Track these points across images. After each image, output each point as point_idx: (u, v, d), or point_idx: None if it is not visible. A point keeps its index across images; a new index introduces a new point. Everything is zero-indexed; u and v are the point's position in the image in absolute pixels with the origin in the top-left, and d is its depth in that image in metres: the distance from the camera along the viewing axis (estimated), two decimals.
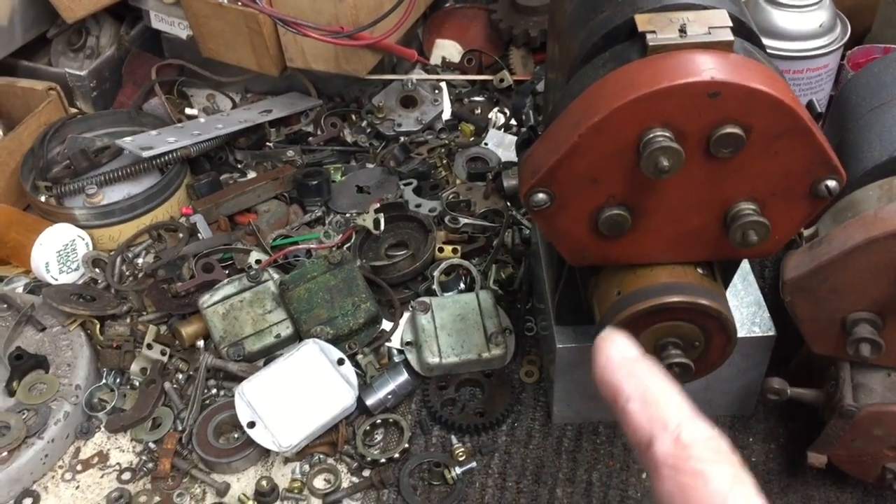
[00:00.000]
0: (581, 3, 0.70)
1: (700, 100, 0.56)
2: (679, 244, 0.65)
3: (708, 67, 0.56)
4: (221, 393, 0.91)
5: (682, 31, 0.59)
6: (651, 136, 0.57)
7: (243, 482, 0.84)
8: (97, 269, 1.04)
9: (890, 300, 0.67)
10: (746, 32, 0.63)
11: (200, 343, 0.95)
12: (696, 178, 0.61)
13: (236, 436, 0.87)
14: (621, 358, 0.37)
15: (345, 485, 0.83)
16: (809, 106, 0.62)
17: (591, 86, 0.60)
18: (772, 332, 0.80)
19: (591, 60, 0.64)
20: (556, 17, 0.78)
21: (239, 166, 1.19)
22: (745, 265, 0.85)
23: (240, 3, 1.10)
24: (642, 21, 0.60)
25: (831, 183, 0.60)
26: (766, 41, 0.94)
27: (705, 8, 0.61)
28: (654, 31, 0.59)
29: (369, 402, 0.87)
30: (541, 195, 0.62)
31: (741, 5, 0.67)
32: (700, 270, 0.67)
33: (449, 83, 1.26)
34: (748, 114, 0.57)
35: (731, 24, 0.59)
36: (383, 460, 0.83)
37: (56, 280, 1.01)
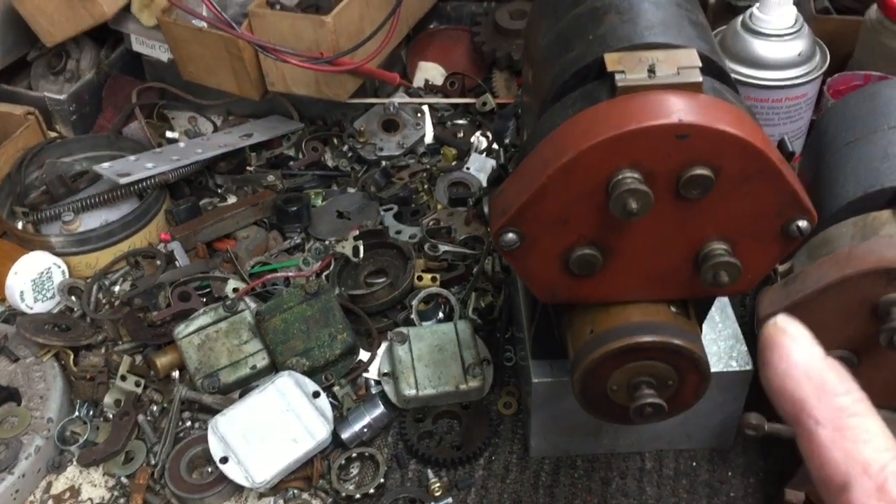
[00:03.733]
0: (554, 39, 0.69)
1: (668, 141, 0.56)
2: (651, 283, 0.65)
3: (676, 109, 0.56)
4: (196, 425, 0.90)
5: (651, 71, 0.58)
6: (620, 177, 0.57)
7: None
8: (73, 297, 1.03)
9: (865, 338, 0.66)
10: (716, 71, 0.62)
11: (176, 374, 0.94)
12: (667, 219, 0.60)
13: (210, 470, 0.85)
14: (807, 362, 0.28)
15: None
16: (780, 145, 0.62)
17: (561, 125, 0.60)
18: (749, 367, 0.79)
19: (561, 98, 0.63)
20: (531, 46, 0.78)
21: (219, 191, 1.18)
22: (722, 298, 0.85)
23: (220, 29, 1.09)
24: (611, 61, 0.60)
25: (802, 223, 0.60)
26: (744, 70, 0.95)
27: (675, 47, 0.61)
28: (623, 72, 0.59)
29: (345, 435, 0.86)
30: (511, 235, 0.61)
31: (712, 43, 0.67)
32: (673, 309, 0.67)
33: (431, 106, 1.26)
34: (717, 155, 0.56)
35: (699, 63, 0.59)
36: (358, 496, 0.82)
37: (31, 309, 1.00)
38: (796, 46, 0.93)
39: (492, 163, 1.18)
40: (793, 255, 0.74)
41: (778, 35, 0.93)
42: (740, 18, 0.96)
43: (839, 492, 0.27)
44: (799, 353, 0.28)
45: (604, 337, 0.65)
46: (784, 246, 0.61)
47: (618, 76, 0.59)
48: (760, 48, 0.93)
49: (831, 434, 0.27)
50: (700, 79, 0.58)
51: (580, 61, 0.63)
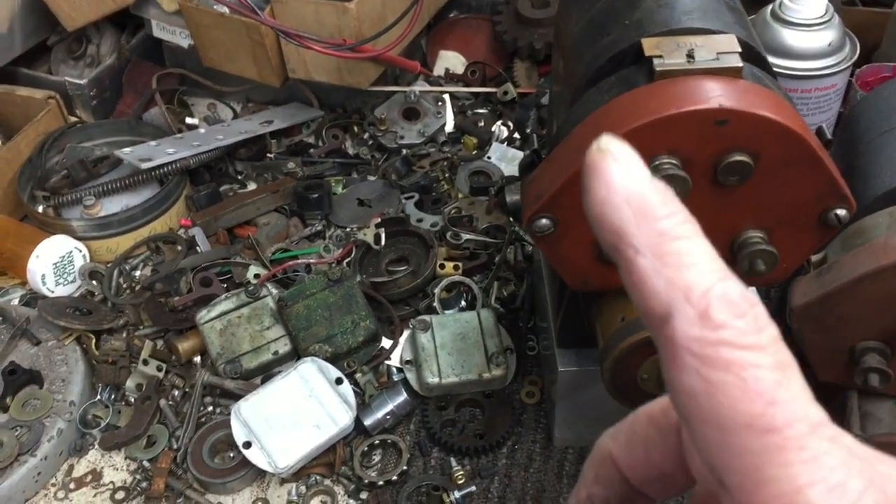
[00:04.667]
0: (587, 24, 0.68)
1: (707, 127, 0.55)
2: None
3: (716, 94, 0.55)
4: (218, 411, 0.90)
5: (690, 56, 0.58)
6: (657, 163, 0.56)
7: (238, 503, 0.83)
8: (94, 282, 1.03)
9: None
10: (755, 57, 0.62)
11: (197, 359, 0.94)
12: (703, 206, 0.59)
13: (232, 455, 0.85)
14: (628, 185, 0.24)
15: None
16: (819, 132, 0.61)
17: (597, 110, 0.59)
18: None
19: (596, 84, 0.63)
20: (562, 34, 0.77)
21: (239, 177, 1.17)
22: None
23: (242, 15, 1.09)
24: (649, 45, 0.59)
25: (841, 212, 0.59)
26: (773, 60, 0.94)
27: (714, 32, 0.60)
28: (661, 56, 0.58)
29: (367, 422, 0.86)
30: (544, 221, 0.61)
31: (750, 29, 0.66)
32: None
33: (452, 95, 1.25)
34: (756, 142, 0.56)
35: (739, 49, 0.58)
36: (381, 483, 0.82)
37: (52, 292, 1.00)
38: (826, 36, 0.92)
39: (513, 152, 1.17)
40: (827, 245, 0.73)
41: (808, 25, 0.92)
42: (770, 7, 0.95)
43: (661, 325, 0.23)
44: (620, 176, 0.24)
45: (635, 325, 0.64)
46: (821, 235, 0.61)
47: (656, 61, 0.58)
48: (790, 38, 0.92)
49: (651, 262, 0.23)
50: (740, 64, 0.57)
51: (616, 46, 0.62)
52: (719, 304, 0.22)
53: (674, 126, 0.55)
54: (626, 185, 0.24)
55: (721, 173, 0.57)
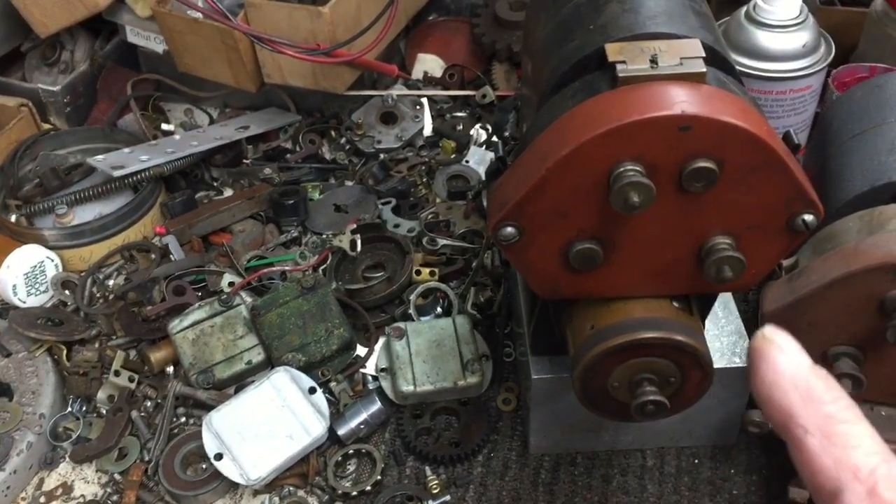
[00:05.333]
0: (553, 29, 0.68)
1: (671, 133, 0.54)
2: (653, 278, 0.63)
3: (679, 100, 0.54)
4: (191, 421, 0.89)
5: (654, 61, 0.57)
6: (621, 170, 0.55)
7: None
8: (66, 291, 1.01)
9: (870, 335, 0.65)
10: (720, 61, 0.61)
11: (170, 369, 0.92)
12: (669, 212, 0.58)
13: (204, 466, 0.84)
14: (794, 371, 0.28)
15: None
16: (786, 137, 0.60)
17: (560, 117, 0.58)
18: None
19: (560, 90, 0.62)
20: (530, 38, 0.76)
21: (215, 184, 1.16)
22: (725, 293, 0.84)
23: (215, 20, 1.08)
24: (613, 51, 0.58)
25: (808, 217, 0.58)
26: (748, 62, 0.93)
27: (678, 37, 0.59)
28: (624, 62, 0.57)
29: (341, 431, 0.85)
30: (509, 229, 0.60)
31: (716, 33, 0.65)
32: (676, 304, 0.65)
33: (430, 99, 1.24)
34: (720, 148, 0.55)
35: (703, 54, 0.57)
36: (355, 493, 0.81)
37: (24, 303, 0.99)
38: (801, 38, 0.91)
39: (491, 156, 1.16)
40: (797, 250, 0.73)
41: (782, 26, 0.91)
42: (744, 9, 0.94)
43: (831, 498, 0.27)
44: (786, 362, 0.29)
45: (605, 333, 0.64)
46: (789, 240, 0.60)
47: (619, 66, 0.57)
48: (764, 39, 0.91)
49: (820, 441, 0.27)
50: (704, 69, 0.57)
51: (580, 52, 0.61)
52: (886, 482, 0.26)
53: (637, 133, 0.54)
54: (793, 371, 0.28)
55: (686, 180, 0.56)
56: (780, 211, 0.58)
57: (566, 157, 0.56)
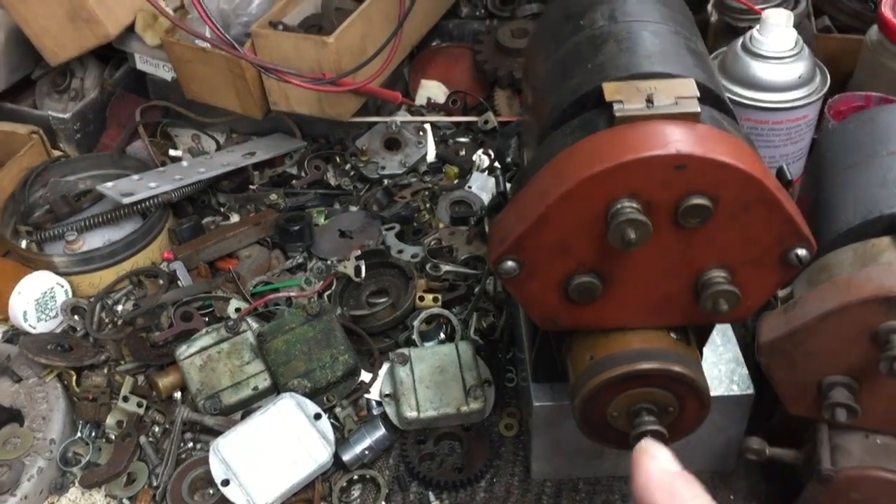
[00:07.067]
0: (554, 66, 0.70)
1: (666, 172, 0.56)
2: (651, 310, 0.65)
3: (674, 140, 0.56)
4: (198, 447, 0.90)
5: (650, 101, 0.59)
6: (618, 207, 0.57)
7: None
8: (76, 317, 1.03)
9: (865, 365, 0.66)
10: (714, 100, 0.63)
11: (178, 395, 0.94)
12: (666, 247, 0.60)
13: (211, 492, 0.85)
14: (661, 475, 0.37)
15: None
16: (779, 173, 0.62)
17: (559, 154, 0.60)
18: (750, 391, 0.79)
19: (560, 126, 0.64)
20: (531, 70, 0.78)
21: (222, 210, 1.18)
22: None
23: (223, 50, 1.10)
24: (610, 90, 0.60)
25: (801, 252, 0.60)
26: (744, 92, 0.95)
27: (674, 76, 0.61)
28: (621, 101, 0.59)
29: (346, 457, 0.86)
30: (510, 263, 0.62)
31: (710, 70, 0.67)
32: (673, 335, 0.67)
33: (433, 125, 1.26)
34: (715, 185, 0.57)
35: (697, 93, 0.59)
36: None
37: (34, 329, 1.01)
38: (796, 69, 0.93)
39: (493, 182, 1.18)
40: (793, 281, 0.74)
41: (778, 57, 0.93)
42: (740, 40, 0.96)
43: None
44: (655, 468, 0.37)
45: (604, 364, 0.65)
46: (783, 274, 0.61)
47: (616, 106, 0.59)
48: (760, 70, 0.93)
49: None
50: (698, 109, 0.58)
51: (579, 90, 0.63)
52: None
53: (634, 171, 0.56)
54: (660, 475, 0.36)
55: (682, 216, 0.58)
56: (774, 246, 0.60)
57: (565, 194, 0.57)
